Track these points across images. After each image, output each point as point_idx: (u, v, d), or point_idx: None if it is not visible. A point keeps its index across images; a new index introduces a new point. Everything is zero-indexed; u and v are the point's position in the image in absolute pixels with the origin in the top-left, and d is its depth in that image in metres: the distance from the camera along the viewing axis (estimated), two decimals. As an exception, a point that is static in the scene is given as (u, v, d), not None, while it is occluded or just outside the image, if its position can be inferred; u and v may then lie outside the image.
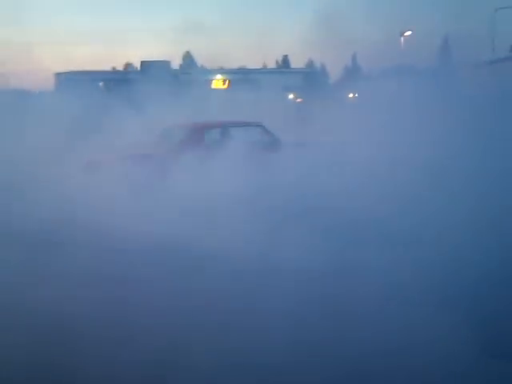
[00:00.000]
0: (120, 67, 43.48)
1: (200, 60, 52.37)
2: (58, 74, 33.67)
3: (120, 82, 28.78)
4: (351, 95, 35.16)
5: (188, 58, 50.65)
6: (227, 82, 42.31)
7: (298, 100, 35.50)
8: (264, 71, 39.91)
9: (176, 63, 50.84)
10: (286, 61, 50.86)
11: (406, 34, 32.10)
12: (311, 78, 39.81)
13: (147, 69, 33.62)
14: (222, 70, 43.83)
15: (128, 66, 44.73)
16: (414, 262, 5.40)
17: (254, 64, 41.83)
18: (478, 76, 28.62)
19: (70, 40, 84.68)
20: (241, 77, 39.05)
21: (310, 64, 47.23)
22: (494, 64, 28.47)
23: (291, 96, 36.29)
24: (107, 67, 38.73)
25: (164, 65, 36.90)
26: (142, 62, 39.45)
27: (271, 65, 48.92)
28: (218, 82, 42.40)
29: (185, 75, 38.95)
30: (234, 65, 42.52)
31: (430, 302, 4.51)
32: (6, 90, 21.55)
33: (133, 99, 19.04)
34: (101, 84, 33.85)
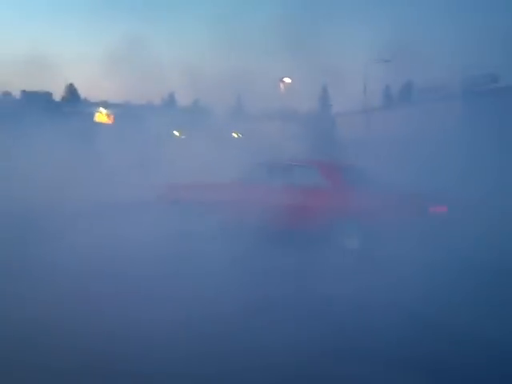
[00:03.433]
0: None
1: (83, 93, 51.36)
2: None
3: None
4: (235, 134, 36.26)
5: (71, 90, 49.49)
6: (111, 117, 41.78)
7: (183, 137, 35.93)
8: (149, 107, 39.82)
9: (58, 95, 49.57)
10: (172, 98, 51.29)
11: (285, 81, 33.84)
12: (196, 116, 40.41)
13: (28, 99, 32.51)
14: (105, 104, 43.24)
15: (6, 94, 42.66)
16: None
17: (139, 99, 41.53)
18: (351, 122, 30.95)
19: None
20: (125, 111, 38.77)
21: (196, 102, 47.96)
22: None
23: (176, 133, 36.62)
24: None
25: (45, 96, 35.84)
26: (22, 91, 37.98)
27: (157, 101, 49.05)
28: (102, 116, 41.77)
29: (67, 107, 38.02)
30: (119, 99, 42.12)
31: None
32: None
33: (12, 131, 18.40)
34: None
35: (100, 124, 39.09)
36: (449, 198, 9.01)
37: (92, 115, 39.20)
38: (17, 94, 39.27)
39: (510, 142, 16.05)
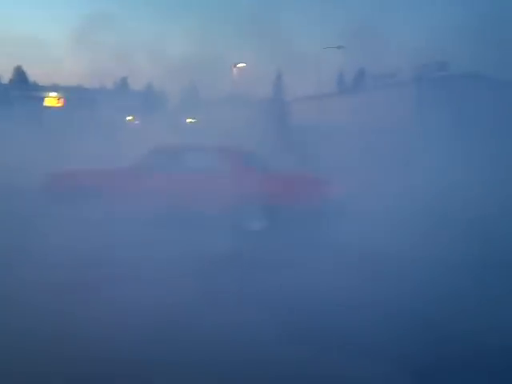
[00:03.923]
0: None
1: (33, 76, 50.11)
2: None
3: None
4: (188, 120, 36.06)
5: (19, 72, 48.04)
6: (62, 101, 40.90)
7: (136, 122, 35.51)
8: (101, 91, 39.13)
9: (6, 78, 48.20)
10: (124, 82, 50.47)
11: (239, 66, 33.64)
12: (149, 100, 39.99)
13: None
14: (56, 88, 42.29)
15: None
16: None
17: (91, 83, 40.70)
18: (305, 108, 31.18)
19: None
20: (77, 96, 38.02)
21: (149, 87, 47.39)
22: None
23: (129, 117, 36.15)
24: None
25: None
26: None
27: (109, 86, 48.20)
28: (51, 100, 40.80)
29: (16, 91, 37.01)
30: (70, 83, 41.31)
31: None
32: None
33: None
34: None
35: (48, 108, 38.18)
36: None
37: (41, 99, 38.25)
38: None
39: (456, 128, 16.49)
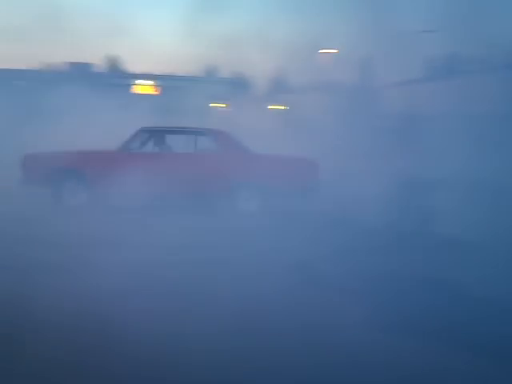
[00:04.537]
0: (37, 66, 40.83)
1: (125, 64, 51.91)
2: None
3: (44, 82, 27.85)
4: (279, 106, 36.00)
5: (113, 61, 49.95)
6: (154, 88, 42.11)
7: (226, 108, 35.93)
8: (193, 78, 39.91)
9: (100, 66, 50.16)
10: (214, 69, 51.18)
11: (328, 52, 33.11)
12: (240, 88, 40.34)
13: (73, 71, 32.93)
14: (148, 76, 43.54)
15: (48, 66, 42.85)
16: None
17: (182, 71, 41.56)
18: (396, 95, 30.16)
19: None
20: (169, 83, 39.02)
21: (239, 75, 47.70)
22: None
23: (219, 104, 36.64)
24: (23, 66, 36.06)
25: (86, 67, 36.21)
26: (69, 63, 38.32)
27: (199, 73, 49.06)
28: (145, 88, 42.07)
29: (110, 79, 38.43)
30: (162, 71, 42.35)
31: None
32: None
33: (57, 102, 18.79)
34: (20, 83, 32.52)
35: (142, 95, 39.41)
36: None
37: (131, 86, 39.50)
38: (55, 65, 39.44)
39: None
